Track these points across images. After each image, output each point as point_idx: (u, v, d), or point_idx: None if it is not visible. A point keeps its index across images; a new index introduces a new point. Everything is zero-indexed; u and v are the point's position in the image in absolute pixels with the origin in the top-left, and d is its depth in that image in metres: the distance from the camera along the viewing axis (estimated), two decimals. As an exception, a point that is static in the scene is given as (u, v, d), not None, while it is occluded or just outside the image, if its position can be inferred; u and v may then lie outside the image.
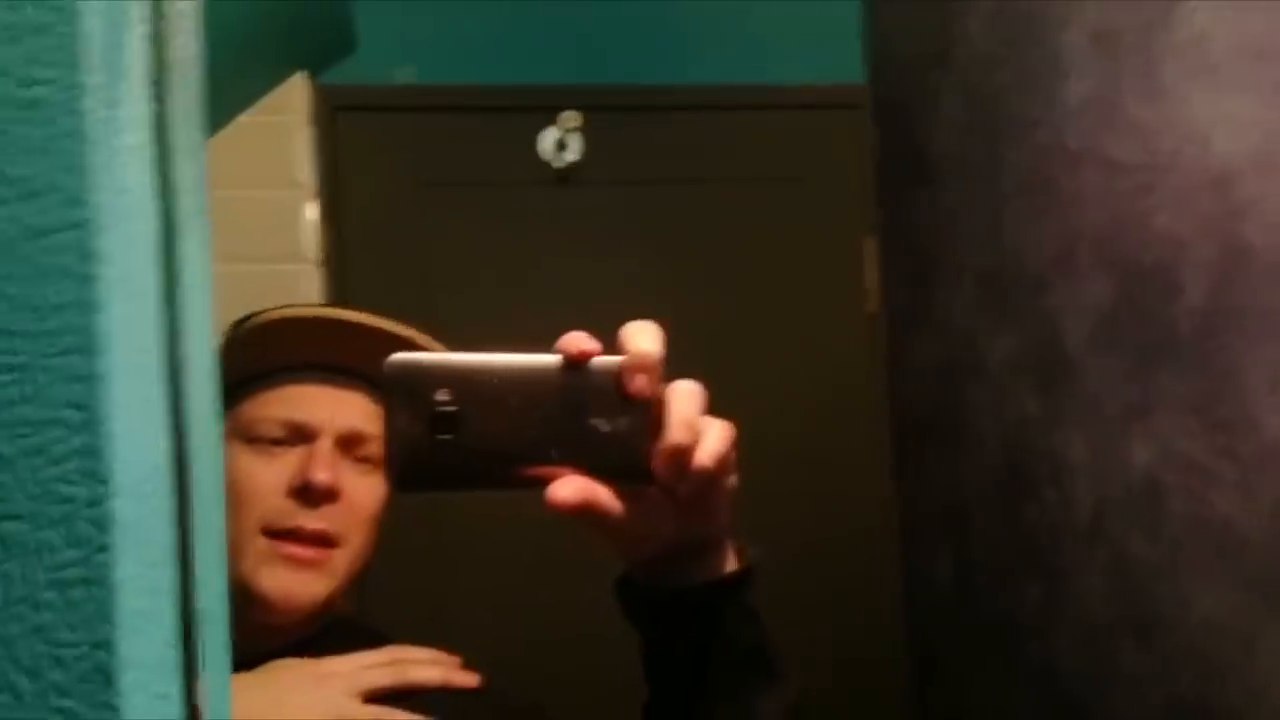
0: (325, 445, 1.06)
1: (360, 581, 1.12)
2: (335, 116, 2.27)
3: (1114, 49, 1.43)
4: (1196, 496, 1.30)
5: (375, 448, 1.07)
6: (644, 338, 0.63)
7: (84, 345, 0.37)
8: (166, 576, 0.41)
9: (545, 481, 0.61)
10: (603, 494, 0.62)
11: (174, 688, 0.41)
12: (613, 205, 2.35)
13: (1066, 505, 1.65)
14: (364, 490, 1.08)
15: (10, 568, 0.36)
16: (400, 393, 0.61)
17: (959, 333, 2.02)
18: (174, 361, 0.45)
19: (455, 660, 1.06)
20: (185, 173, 0.50)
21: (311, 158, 2.23)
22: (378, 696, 0.99)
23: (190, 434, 0.46)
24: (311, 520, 1.04)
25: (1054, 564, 1.70)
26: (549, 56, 2.35)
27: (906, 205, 2.26)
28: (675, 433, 0.62)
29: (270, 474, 1.05)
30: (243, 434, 1.07)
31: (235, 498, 1.04)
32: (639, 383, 0.62)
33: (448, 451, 0.61)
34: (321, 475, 1.03)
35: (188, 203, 0.50)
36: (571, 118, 2.28)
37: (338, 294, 2.22)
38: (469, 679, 1.05)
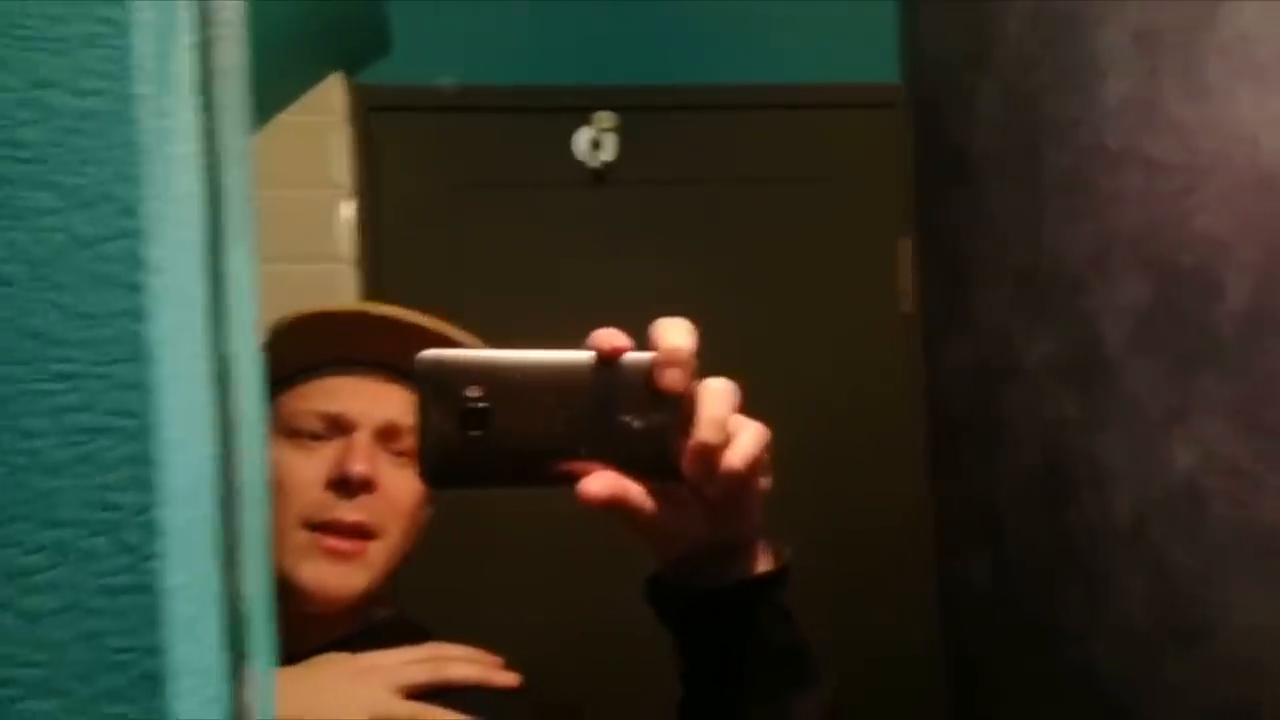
0: (363, 438, 1.07)
1: (396, 577, 1.12)
2: (371, 117, 2.28)
3: (1155, 48, 1.41)
4: (1239, 502, 1.28)
5: (413, 441, 1.08)
6: (676, 333, 0.63)
7: (135, 354, 0.38)
8: (214, 582, 0.42)
9: (576, 478, 0.61)
10: (633, 490, 0.62)
11: (223, 691, 0.41)
12: (647, 205, 2.35)
13: (1106, 509, 1.63)
14: (401, 483, 1.08)
15: (60, 574, 0.36)
16: (431, 388, 0.61)
17: (996, 333, 2.01)
18: (221, 369, 0.46)
19: (495, 659, 1.07)
20: (233, 180, 0.51)
21: (348, 158, 2.24)
22: (417, 693, 1.00)
23: (237, 441, 0.46)
24: (349, 512, 1.04)
25: (1093, 568, 1.68)
26: (583, 57, 2.35)
27: (944, 205, 2.24)
28: (704, 431, 0.62)
29: (309, 468, 1.06)
30: (282, 428, 1.09)
31: (275, 491, 1.05)
32: (671, 378, 0.61)
33: (478, 448, 0.60)
34: (359, 467, 1.04)
35: (235, 210, 0.51)
36: (606, 118, 2.28)
37: (372, 293, 2.23)
38: (508, 678, 1.05)
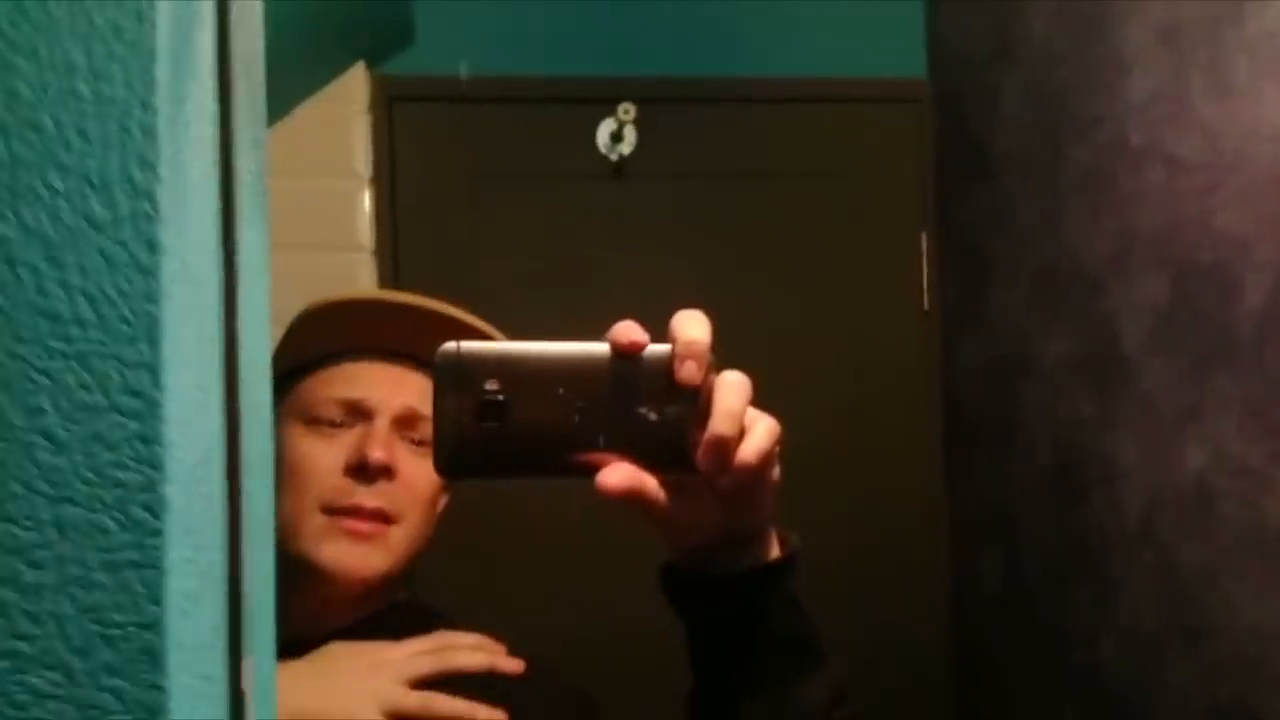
0: (382, 424, 1.08)
1: (414, 563, 1.13)
2: (392, 107, 2.29)
3: (1180, 45, 1.41)
4: (1248, 502, 1.27)
5: (430, 429, 1.09)
6: (694, 325, 0.63)
7: (144, 334, 0.38)
8: (216, 561, 0.42)
9: (592, 469, 0.62)
10: (649, 482, 0.63)
11: (220, 670, 0.42)
12: (666, 198, 2.35)
13: (1117, 508, 1.63)
14: (420, 470, 1.09)
15: (64, 549, 0.37)
16: (449, 381, 0.62)
17: (1013, 331, 2.00)
18: (231, 350, 0.47)
19: (501, 647, 1.07)
20: (247, 165, 0.52)
21: (369, 148, 2.25)
22: (426, 683, 1.01)
23: (244, 421, 0.47)
24: (369, 498, 1.05)
25: (1103, 568, 1.68)
26: (605, 49, 2.35)
27: (964, 201, 2.24)
28: (719, 424, 0.62)
29: (329, 454, 1.07)
30: (302, 415, 1.10)
31: (294, 477, 1.06)
32: (688, 370, 0.62)
33: (495, 439, 0.61)
34: (378, 453, 1.05)
35: (249, 194, 0.51)
36: (628, 110, 2.28)
37: (392, 283, 2.24)
38: (514, 664, 1.06)
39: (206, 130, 0.46)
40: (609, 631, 2.11)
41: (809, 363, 2.30)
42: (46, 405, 0.38)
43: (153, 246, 0.39)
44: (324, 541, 1.04)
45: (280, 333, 1.20)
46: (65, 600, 0.37)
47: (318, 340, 1.12)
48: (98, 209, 0.39)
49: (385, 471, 1.05)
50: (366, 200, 2.25)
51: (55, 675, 0.37)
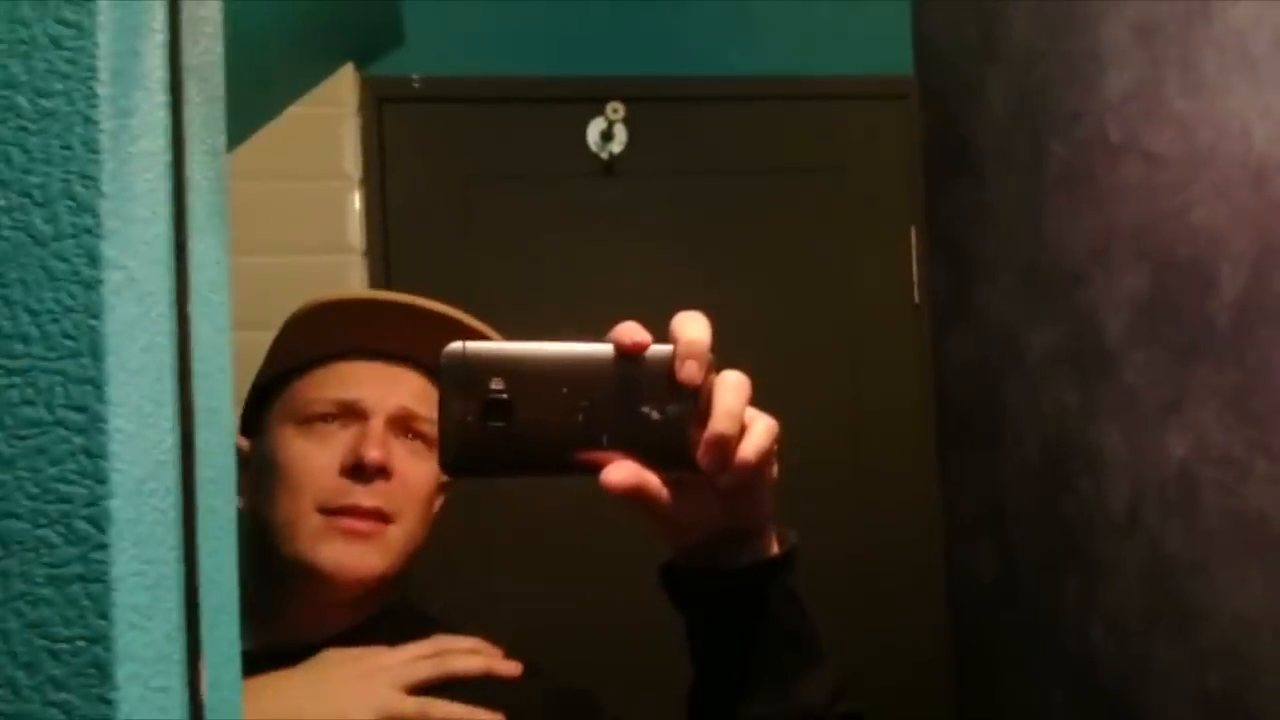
0: (377, 424, 1.08)
1: (411, 563, 1.13)
2: (382, 108, 2.29)
3: (1155, 41, 1.41)
4: (1230, 490, 1.28)
5: (426, 427, 1.10)
6: (694, 326, 0.65)
7: (87, 348, 0.39)
8: (170, 573, 0.43)
9: (596, 467, 0.63)
10: (652, 480, 0.64)
11: (175, 681, 0.42)
12: (658, 195, 2.35)
13: (1103, 498, 1.63)
14: (416, 469, 1.10)
15: (9, 564, 0.37)
16: (455, 380, 0.63)
17: (998, 326, 2.01)
18: (184, 362, 0.47)
19: (497, 650, 1.08)
20: (202, 174, 0.52)
21: (358, 149, 2.25)
22: (423, 688, 1.01)
23: (199, 433, 0.47)
24: (366, 497, 1.06)
25: (1091, 557, 1.68)
26: (594, 48, 2.35)
27: (950, 196, 2.24)
28: (719, 423, 0.63)
29: (324, 455, 1.07)
30: (295, 416, 1.10)
31: (290, 479, 1.07)
32: (689, 370, 0.63)
33: (500, 438, 0.62)
34: (374, 453, 1.05)
35: (204, 204, 0.51)
36: (617, 109, 2.28)
37: (383, 284, 2.24)
38: (510, 667, 1.06)
39: (156, 142, 0.46)
40: (609, 629, 2.12)
41: (801, 358, 2.31)
42: (-10, 421, 0.38)
43: (95, 260, 0.39)
44: (321, 542, 1.05)
45: (270, 337, 1.21)
46: (10, 615, 0.37)
47: (310, 342, 1.12)
48: (39, 224, 0.39)
49: (381, 471, 1.06)
50: (357, 202, 2.25)
51: (2, 691, 0.37)
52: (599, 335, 0.65)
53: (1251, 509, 1.23)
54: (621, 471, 0.63)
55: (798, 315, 2.34)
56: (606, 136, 2.32)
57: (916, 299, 2.37)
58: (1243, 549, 1.26)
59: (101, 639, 0.38)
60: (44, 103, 0.40)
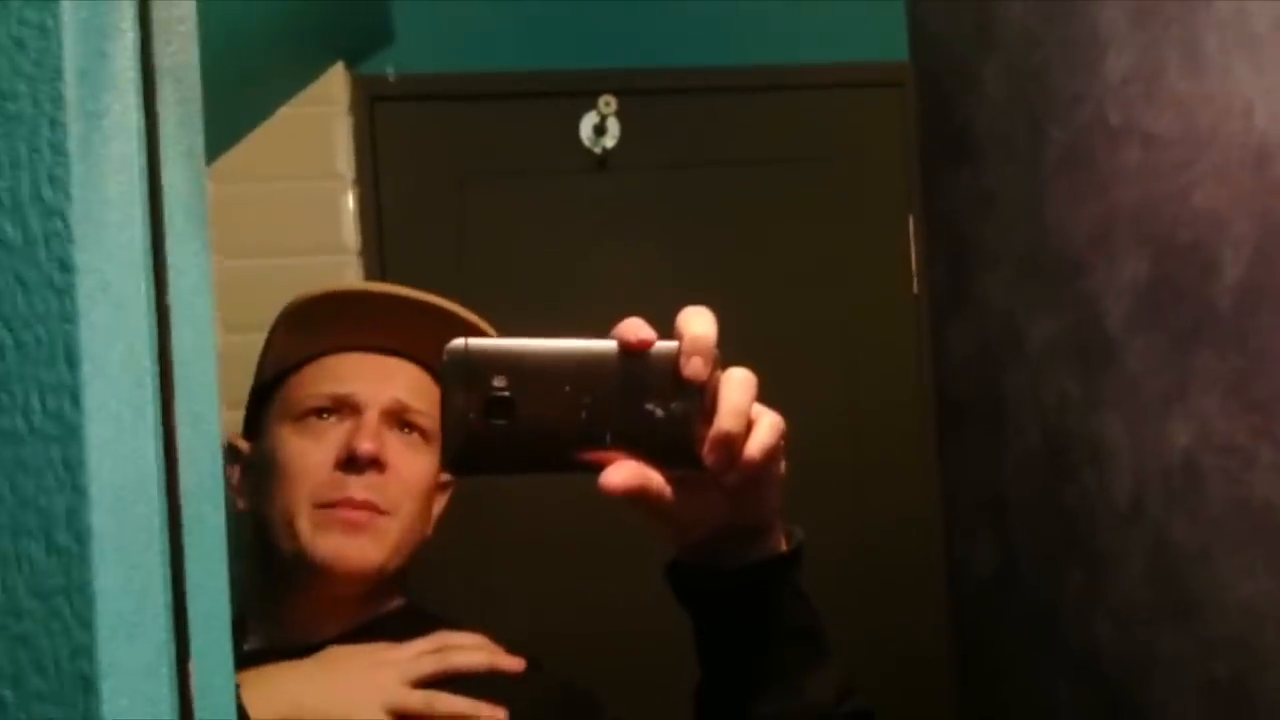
0: (371, 417, 1.09)
1: (412, 560, 1.13)
2: (373, 106, 2.28)
3: (1154, 22, 1.40)
4: (1235, 479, 1.27)
5: (422, 420, 1.10)
6: (699, 322, 0.64)
7: (62, 356, 0.38)
8: (155, 583, 0.42)
9: (599, 466, 0.62)
10: (655, 479, 0.63)
11: (163, 691, 0.42)
12: (653, 188, 2.34)
13: (1106, 488, 1.62)
14: (411, 462, 1.10)
15: (-11, 578, 0.37)
16: (457, 377, 0.62)
17: (998, 314, 2.00)
18: (165, 368, 0.46)
19: (499, 647, 1.08)
20: (178, 179, 0.51)
21: (350, 148, 2.24)
22: (428, 683, 1.02)
23: (183, 440, 0.46)
24: (359, 490, 1.06)
25: (1094, 548, 1.67)
26: (585, 42, 2.34)
27: (948, 184, 2.23)
28: (726, 420, 0.63)
29: (318, 451, 1.08)
30: (291, 414, 1.10)
31: (286, 477, 1.07)
32: (694, 367, 0.62)
33: (503, 435, 0.62)
34: (366, 445, 1.06)
35: (181, 209, 0.50)
36: (609, 102, 2.27)
37: (379, 281, 2.23)
38: (513, 662, 1.07)
39: (129, 145, 0.45)
40: (613, 628, 2.11)
41: (799, 350, 2.30)
42: (-36, 432, 0.37)
43: (66, 266, 0.38)
44: (318, 535, 1.05)
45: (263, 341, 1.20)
46: (-7, 630, 0.37)
47: (302, 338, 1.12)
48: (9, 230, 0.38)
49: (374, 463, 1.06)
50: (350, 201, 2.24)
51: (-14, 706, 0.36)
52: (596, 330, 0.64)
53: (1256, 497, 1.22)
54: (622, 473, 0.62)
55: (795, 307, 2.33)
56: (599, 131, 2.31)
57: (915, 289, 2.36)
58: (1248, 537, 1.25)
59: (86, 651, 0.37)
60: (9, 106, 0.39)
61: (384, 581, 1.11)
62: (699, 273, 2.25)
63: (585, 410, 0.62)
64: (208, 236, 0.55)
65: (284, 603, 1.10)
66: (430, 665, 1.03)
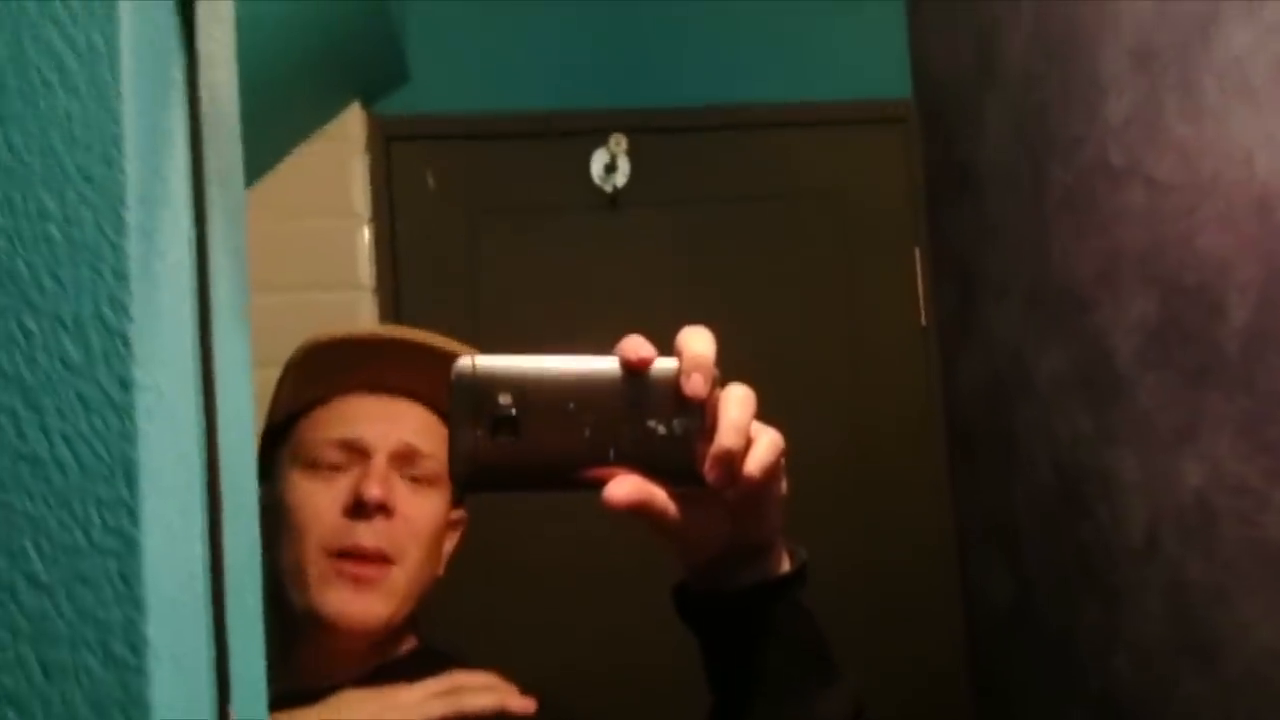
0: (379, 462, 1.08)
1: (423, 602, 1.13)
2: (389, 145, 2.31)
3: (1153, 67, 1.42)
4: (1248, 519, 1.28)
5: (430, 465, 1.10)
6: (699, 340, 0.65)
7: (121, 473, 0.40)
8: (203, 686, 0.43)
9: (602, 483, 0.63)
10: (658, 495, 0.64)
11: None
12: (663, 225, 2.36)
13: (1120, 525, 1.63)
14: (419, 507, 1.09)
15: (50, 691, 0.38)
16: (464, 395, 0.63)
17: (1007, 348, 2.01)
18: (211, 468, 0.48)
19: (512, 686, 1.08)
20: (224, 280, 0.53)
21: (366, 187, 2.27)
22: None
23: (227, 537, 0.48)
24: (368, 537, 1.06)
25: (1110, 583, 1.68)
26: (595, 83, 2.37)
27: (953, 219, 2.25)
28: (725, 437, 0.63)
29: (327, 496, 1.07)
30: (301, 459, 1.10)
31: (296, 523, 1.07)
32: (694, 384, 0.63)
33: (508, 453, 0.63)
34: (374, 491, 1.05)
35: (227, 307, 0.52)
36: (620, 141, 2.30)
37: (393, 320, 2.26)
38: (525, 704, 1.06)
39: (181, 254, 0.47)
40: (624, 662, 2.12)
41: (809, 383, 2.31)
42: (29, 548, 0.39)
43: (126, 384, 0.40)
44: (326, 589, 1.05)
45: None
46: (53, 741, 0.38)
47: (311, 382, 1.13)
48: (71, 350, 0.40)
49: (382, 509, 1.06)
50: (366, 238, 2.27)
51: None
52: (613, 351, 0.65)
53: (1271, 539, 1.23)
54: (624, 487, 0.63)
55: (805, 340, 2.35)
56: (610, 169, 2.33)
57: (923, 321, 2.38)
58: (1265, 578, 1.25)
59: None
60: (74, 232, 0.41)
61: (393, 629, 1.11)
62: (709, 307, 2.26)
63: (589, 428, 0.63)
64: (249, 330, 0.57)
65: (293, 649, 1.10)
66: (440, 708, 1.03)
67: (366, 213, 2.27)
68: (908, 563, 2.31)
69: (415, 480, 1.10)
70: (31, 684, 0.38)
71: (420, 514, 1.10)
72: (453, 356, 1.14)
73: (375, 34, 2.06)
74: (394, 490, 1.08)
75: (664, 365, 0.64)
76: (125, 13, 0.44)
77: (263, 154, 2.11)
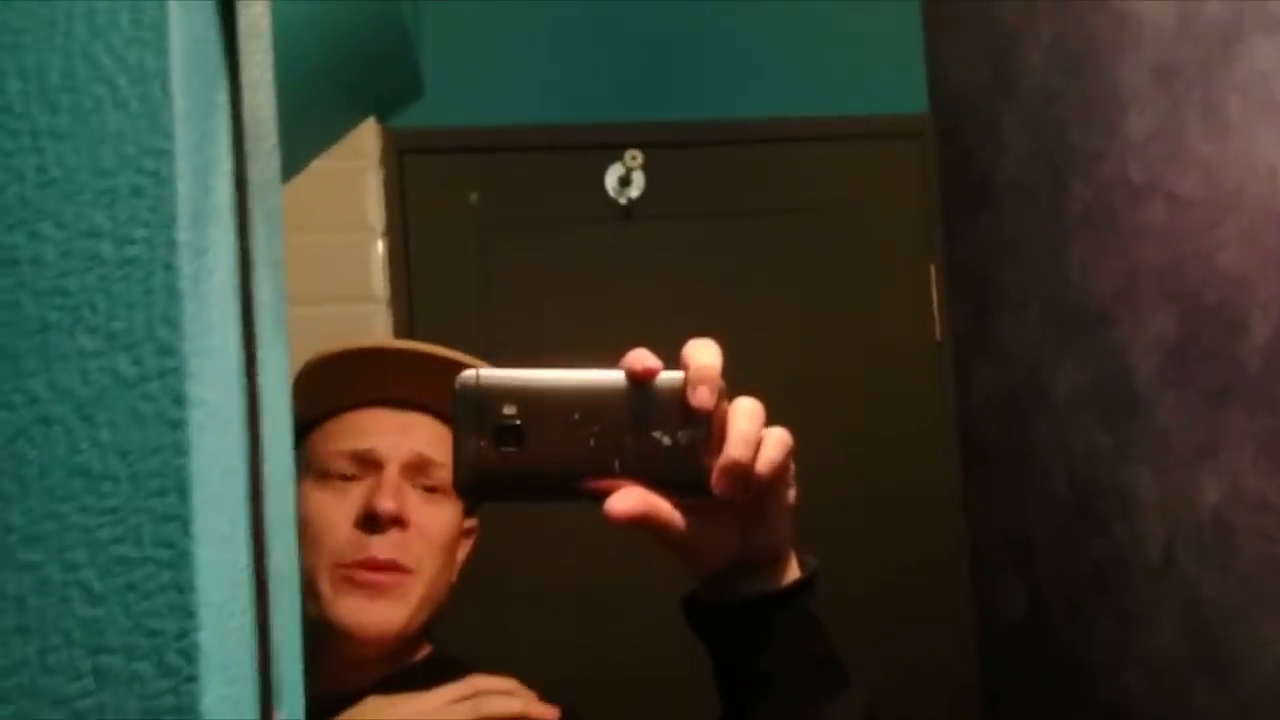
0: (392, 473, 1.08)
1: (438, 610, 1.13)
2: (403, 159, 2.32)
3: (1175, 83, 1.42)
4: (1268, 536, 1.28)
5: (442, 475, 1.10)
6: (705, 352, 0.65)
7: (175, 487, 0.40)
8: (248, 692, 0.44)
9: (606, 494, 0.63)
10: (663, 506, 0.64)
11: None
12: (677, 239, 2.37)
13: (1137, 541, 1.63)
14: (432, 517, 1.09)
15: (105, 698, 0.39)
16: (468, 406, 0.64)
17: (1024, 363, 2.01)
18: (256, 480, 0.48)
19: (532, 692, 1.08)
20: (266, 292, 0.53)
21: (381, 200, 2.28)
22: None
23: (270, 544, 0.48)
24: (382, 549, 1.06)
25: (1126, 599, 1.68)
26: (610, 96, 2.38)
27: (970, 234, 2.25)
28: (734, 448, 0.63)
29: (340, 509, 1.07)
30: (313, 471, 1.10)
31: (308, 535, 1.07)
32: (701, 395, 0.63)
33: (512, 463, 0.63)
34: (387, 503, 1.05)
35: (269, 319, 0.53)
36: (635, 155, 2.31)
37: (407, 332, 2.26)
38: (547, 711, 1.06)
39: (227, 270, 0.48)
40: (631, 670, 2.12)
41: (823, 397, 2.31)
42: (83, 559, 0.39)
43: (180, 401, 0.41)
44: (339, 598, 1.05)
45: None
46: (107, 749, 0.39)
47: (324, 394, 1.13)
48: (126, 367, 0.41)
49: (396, 521, 1.06)
50: (380, 251, 2.28)
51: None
52: (618, 363, 0.65)
53: (1288, 555, 1.23)
54: (626, 501, 0.62)
55: (819, 355, 2.35)
56: (625, 182, 2.34)
57: (938, 336, 2.38)
58: (1281, 595, 1.25)
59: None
60: (128, 250, 0.41)
61: (408, 637, 1.12)
62: (723, 320, 2.26)
63: (593, 439, 0.63)
64: (288, 340, 0.57)
65: (310, 658, 1.10)
66: (462, 714, 1.03)
67: (381, 226, 2.28)
68: (920, 576, 2.31)
69: (429, 490, 1.10)
70: (86, 691, 0.39)
71: (434, 524, 1.10)
72: (461, 367, 1.14)
73: (390, 47, 2.07)
74: (407, 501, 1.08)
75: (670, 377, 0.64)
76: (175, 31, 0.45)
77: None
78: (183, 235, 0.42)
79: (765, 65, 2.40)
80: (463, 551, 1.19)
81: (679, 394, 0.63)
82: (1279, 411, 1.24)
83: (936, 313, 2.39)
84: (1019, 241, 1.97)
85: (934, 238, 2.40)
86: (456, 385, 0.64)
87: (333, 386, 1.13)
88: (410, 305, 2.29)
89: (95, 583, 0.39)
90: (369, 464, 1.09)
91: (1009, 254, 2.01)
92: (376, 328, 2.25)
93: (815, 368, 2.34)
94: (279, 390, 0.54)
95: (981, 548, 2.25)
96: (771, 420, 0.66)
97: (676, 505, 0.64)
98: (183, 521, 0.40)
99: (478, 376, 0.64)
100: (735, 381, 0.65)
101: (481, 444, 0.63)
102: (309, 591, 1.06)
